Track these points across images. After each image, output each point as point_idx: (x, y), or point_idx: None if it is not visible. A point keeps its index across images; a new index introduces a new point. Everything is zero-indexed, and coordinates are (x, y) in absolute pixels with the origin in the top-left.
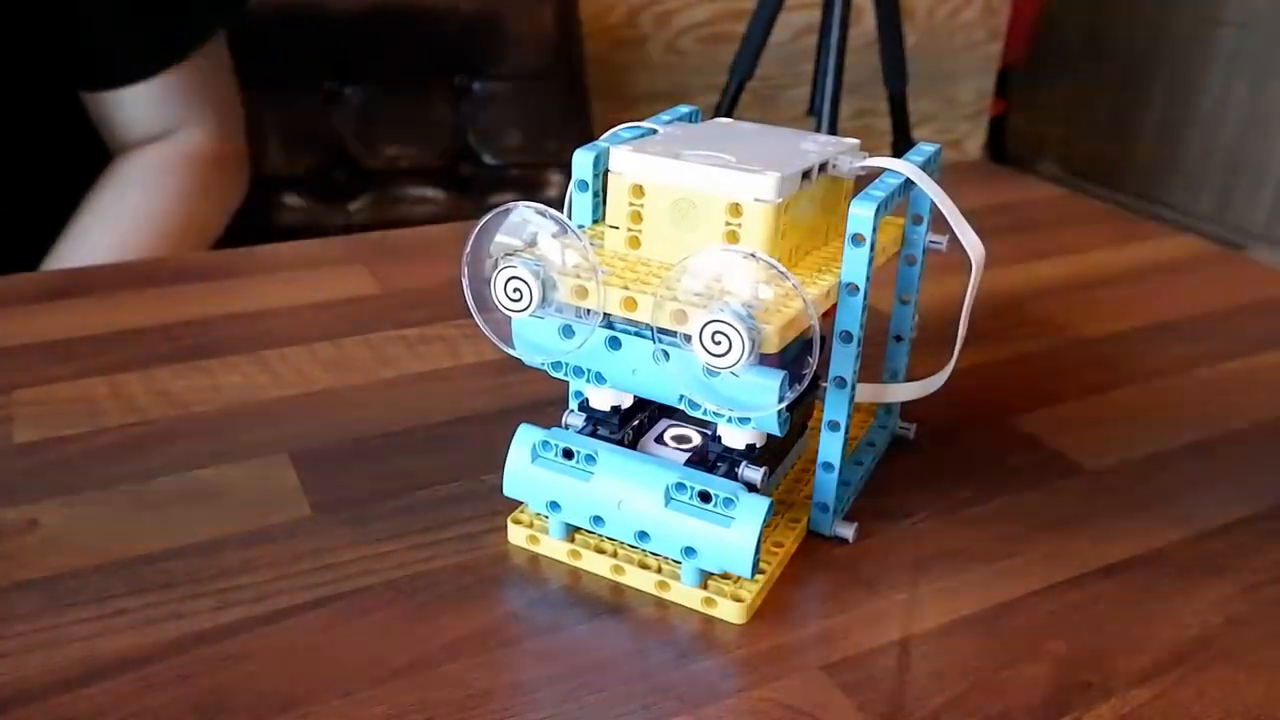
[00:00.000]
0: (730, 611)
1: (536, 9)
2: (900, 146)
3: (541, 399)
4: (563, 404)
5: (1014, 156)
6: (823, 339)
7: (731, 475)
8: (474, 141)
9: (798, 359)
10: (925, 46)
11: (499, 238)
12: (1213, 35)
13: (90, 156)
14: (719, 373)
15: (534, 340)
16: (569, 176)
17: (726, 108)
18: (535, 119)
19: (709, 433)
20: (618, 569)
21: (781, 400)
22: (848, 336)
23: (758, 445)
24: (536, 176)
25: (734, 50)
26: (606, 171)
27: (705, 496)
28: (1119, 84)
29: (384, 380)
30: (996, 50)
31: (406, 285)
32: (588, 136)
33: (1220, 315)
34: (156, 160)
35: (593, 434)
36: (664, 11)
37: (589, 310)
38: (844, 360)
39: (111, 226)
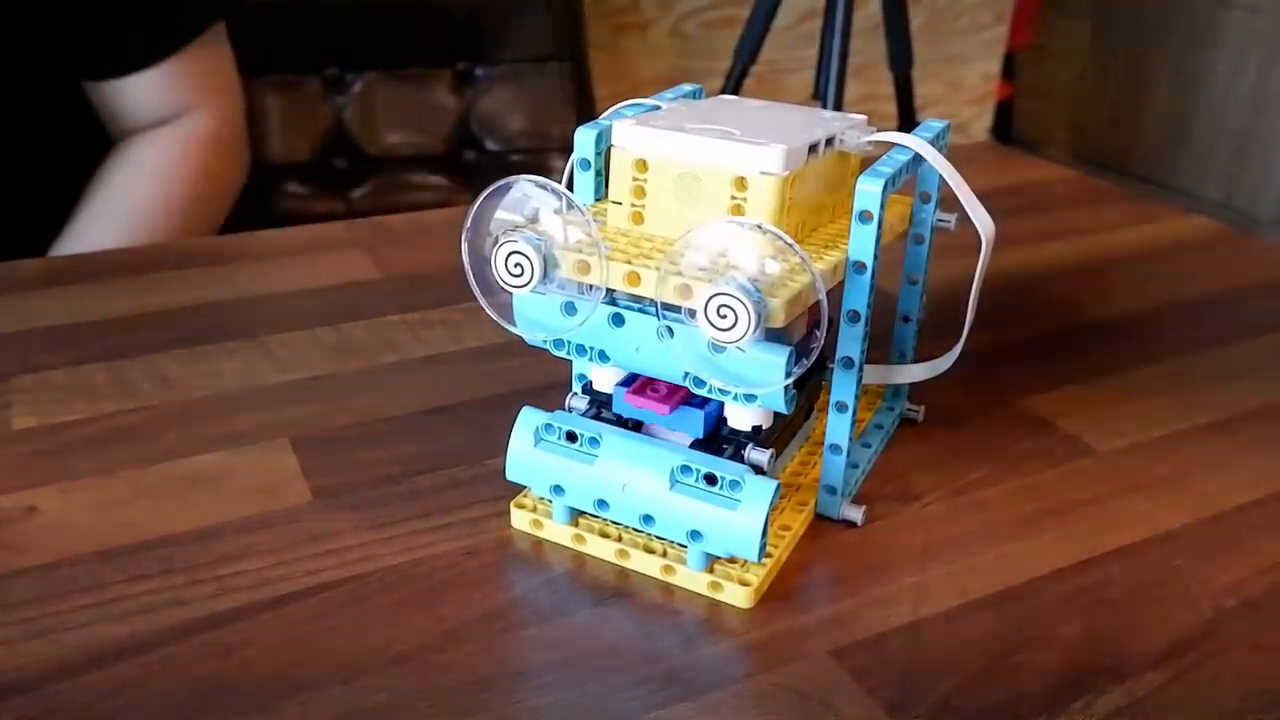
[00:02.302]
0: (737, 596)
1: None
2: (906, 130)
3: (544, 382)
4: (566, 387)
5: (1020, 141)
6: (830, 320)
7: (738, 457)
8: (477, 128)
9: (805, 335)
10: (930, 29)
11: (500, 214)
12: (1221, 18)
13: (93, 144)
14: (724, 348)
15: (535, 318)
16: None
17: (730, 92)
18: (538, 105)
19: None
20: (622, 553)
21: (789, 375)
22: (855, 316)
23: (764, 426)
24: (540, 162)
25: (738, 34)
26: (609, 150)
27: (711, 479)
28: (1126, 68)
29: (385, 364)
30: (1002, 33)
31: (407, 269)
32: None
33: (1233, 295)
34: (159, 146)
35: (596, 416)
36: None
37: (591, 286)
38: (851, 340)
39: (119, 213)
